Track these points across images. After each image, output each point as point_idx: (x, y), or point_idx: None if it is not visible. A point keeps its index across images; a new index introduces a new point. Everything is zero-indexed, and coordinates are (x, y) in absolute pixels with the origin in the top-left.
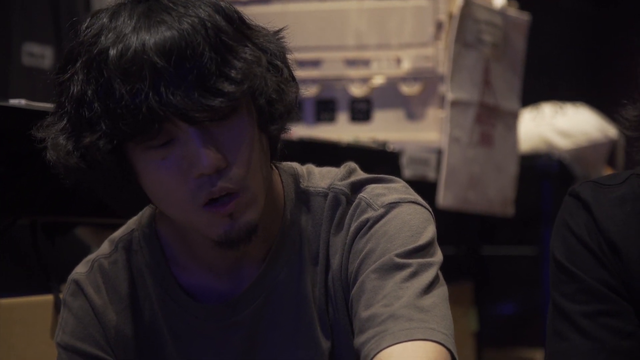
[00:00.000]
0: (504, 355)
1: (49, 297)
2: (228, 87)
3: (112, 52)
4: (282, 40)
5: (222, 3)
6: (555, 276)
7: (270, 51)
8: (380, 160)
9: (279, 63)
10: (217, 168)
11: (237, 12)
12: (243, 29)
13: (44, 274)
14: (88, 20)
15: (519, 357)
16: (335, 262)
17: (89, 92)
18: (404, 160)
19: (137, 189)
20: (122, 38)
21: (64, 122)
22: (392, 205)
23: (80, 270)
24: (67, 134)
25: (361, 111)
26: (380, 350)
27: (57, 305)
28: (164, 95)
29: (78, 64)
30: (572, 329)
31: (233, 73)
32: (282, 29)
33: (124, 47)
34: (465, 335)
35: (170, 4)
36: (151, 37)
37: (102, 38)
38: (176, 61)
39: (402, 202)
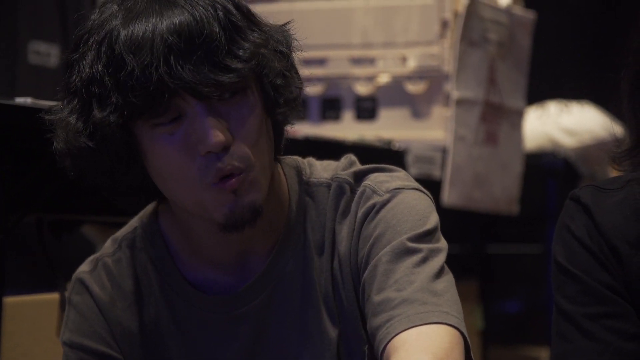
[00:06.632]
0: (510, 353)
1: (55, 295)
2: (236, 64)
3: (123, 31)
4: (288, 32)
5: None
6: (558, 279)
7: (276, 39)
8: (386, 159)
9: (284, 49)
10: (224, 145)
11: (246, 4)
12: (250, 17)
13: (50, 271)
14: (98, 9)
15: (525, 355)
16: (342, 249)
17: (99, 67)
18: (409, 159)
19: (143, 172)
20: (134, 18)
21: (74, 102)
22: (397, 191)
23: (84, 269)
24: (77, 114)
25: (366, 109)
26: (397, 334)
27: (63, 303)
28: (174, 69)
29: (89, 43)
30: (575, 331)
31: (241, 52)
32: (288, 22)
33: (135, 26)
34: (471, 334)
35: None
36: (163, 18)
37: (113, 20)
38: (187, 37)
39: (406, 189)
